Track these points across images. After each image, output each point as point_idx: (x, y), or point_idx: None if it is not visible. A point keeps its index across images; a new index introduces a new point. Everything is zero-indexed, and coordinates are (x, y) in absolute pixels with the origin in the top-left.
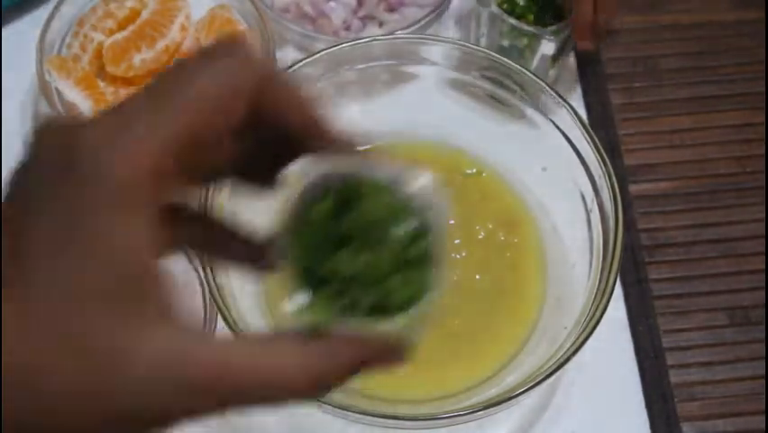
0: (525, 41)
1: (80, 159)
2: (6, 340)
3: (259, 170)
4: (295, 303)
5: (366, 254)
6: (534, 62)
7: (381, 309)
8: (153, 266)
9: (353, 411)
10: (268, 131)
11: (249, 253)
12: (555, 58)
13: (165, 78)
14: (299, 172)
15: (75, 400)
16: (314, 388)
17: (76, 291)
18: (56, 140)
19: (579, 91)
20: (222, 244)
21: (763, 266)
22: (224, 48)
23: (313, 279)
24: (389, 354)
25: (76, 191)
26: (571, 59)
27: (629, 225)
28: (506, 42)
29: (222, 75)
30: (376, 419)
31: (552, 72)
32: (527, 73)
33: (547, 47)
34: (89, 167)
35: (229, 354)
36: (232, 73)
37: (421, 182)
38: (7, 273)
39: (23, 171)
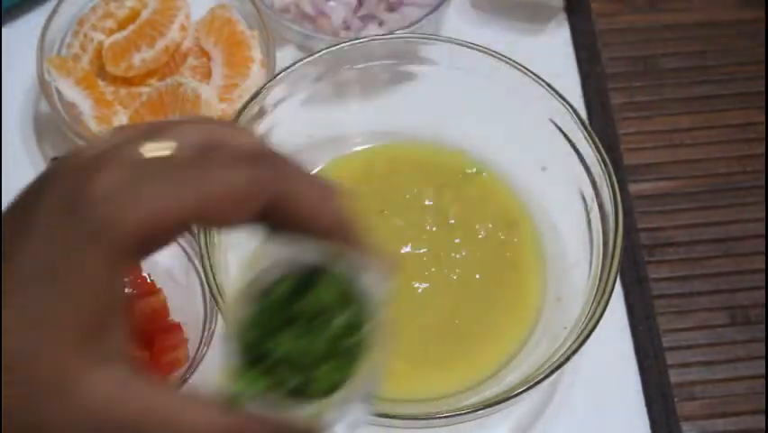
0: None
1: (84, 207)
2: None
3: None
4: (228, 371)
5: (302, 339)
6: None
7: (304, 392)
8: (118, 310)
9: None
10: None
11: None
12: None
13: (186, 158)
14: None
15: (10, 421)
16: None
17: (43, 321)
18: (66, 183)
19: (579, 91)
20: None
21: (764, 265)
22: (253, 155)
23: (251, 353)
24: None
25: (71, 234)
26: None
27: (629, 225)
28: None
29: (243, 183)
30: (376, 418)
31: None
32: (527, 72)
33: None
34: (91, 217)
35: (152, 407)
36: (251, 183)
37: (375, 278)
38: None
39: (31, 200)
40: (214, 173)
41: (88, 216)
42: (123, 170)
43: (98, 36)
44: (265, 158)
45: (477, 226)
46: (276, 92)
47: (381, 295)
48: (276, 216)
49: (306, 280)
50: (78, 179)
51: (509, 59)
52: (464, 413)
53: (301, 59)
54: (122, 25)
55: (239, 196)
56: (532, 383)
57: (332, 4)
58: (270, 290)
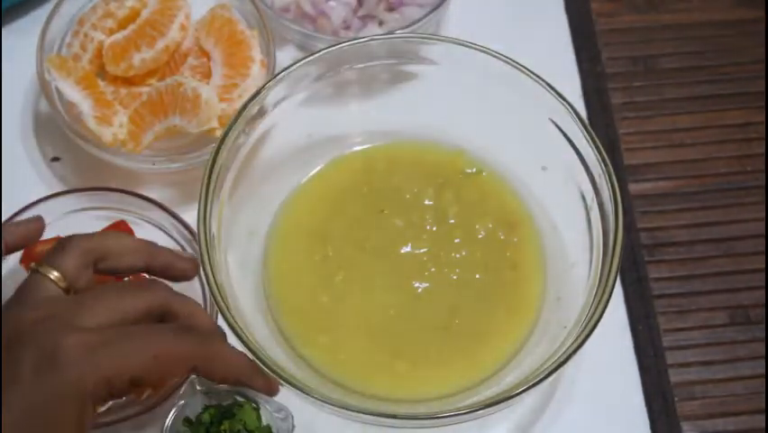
0: None
1: (60, 364)
2: None
3: None
4: None
5: None
6: None
7: None
8: None
9: (353, 411)
10: None
11: None
12: None
13: (134, 329)
14: None
15: None
16: None
17: None
18: (43, 340)
19: (579, 91)
20: None
21: (764, 265)
22: (188, 329)
23: None
24: None
25: (49, 389)
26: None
27: (629, 225)
28: None
29: (180, 354)
30: (376, 418)
31: None
32: (527, 72)
33: None
34: (67, 373)
35: None
36: (185, 356)
37: (281, 413)
38: None
39: (14, 355)
40: (158, 345)
41: (65, 372)
42: (84, 336)
43: (98, 36)
44: (198, 333)
45: (477, 226)
46: (276, 92)
47: (286, 426)
48: (200, 373)
49: (224, 410)
50: (49, 341)
51: (509, 59)
52: (464, 413)
53: (301, 60)
54: (122, 25)
55: (176, 364)
56: (532, 383)
57: (332, 4)
58: (198, 417)
